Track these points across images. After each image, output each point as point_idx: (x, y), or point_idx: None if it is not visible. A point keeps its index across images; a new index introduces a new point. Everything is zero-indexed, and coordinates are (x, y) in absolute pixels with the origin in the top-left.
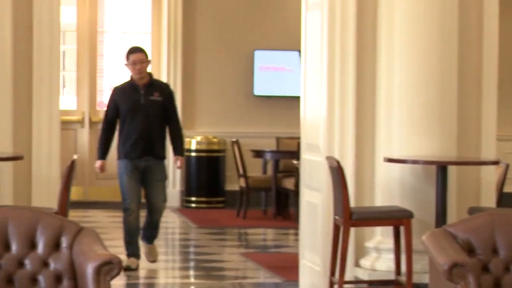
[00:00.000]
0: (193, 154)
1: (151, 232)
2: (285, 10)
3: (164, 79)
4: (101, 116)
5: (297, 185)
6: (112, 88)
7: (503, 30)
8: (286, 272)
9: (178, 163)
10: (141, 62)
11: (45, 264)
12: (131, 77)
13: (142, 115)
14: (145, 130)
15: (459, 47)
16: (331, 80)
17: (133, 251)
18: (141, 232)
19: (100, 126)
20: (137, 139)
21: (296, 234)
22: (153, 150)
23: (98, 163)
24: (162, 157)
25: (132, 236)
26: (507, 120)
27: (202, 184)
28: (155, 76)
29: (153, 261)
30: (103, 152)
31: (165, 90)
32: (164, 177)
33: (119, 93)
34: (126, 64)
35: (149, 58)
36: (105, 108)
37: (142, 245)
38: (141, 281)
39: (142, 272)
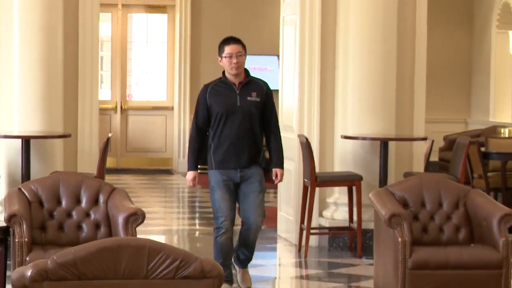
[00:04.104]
0: None
1: (244, 253)
2: (267, 24)
3: (176, 78)
4: (130, 104)
5: None
6: (202, 86)
7: (430, 35)
8: (267, 221)
9: (278, 177)
10: (238, 55)
11: (87, 215)
12: (224, 73)
13: (238, 118)
14: (241, 135)
15: (398, 50)
16: (301, 77)
17: (226, 276)
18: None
19: (130, 112)
20: (232, 147)
21: (275, 193)
22: (251, 159)
23: (189, 175)
24: (262, 167)
25: (225, 259)
26: (434, 107)
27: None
28: (169, 78)
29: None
30: (194, 162)
31: (263, 89)
32: (263, 187)
33: (212, 92)
34: (219, 59)
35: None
36: (133, 98)
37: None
38: (159, 228)
39: (159, 221)
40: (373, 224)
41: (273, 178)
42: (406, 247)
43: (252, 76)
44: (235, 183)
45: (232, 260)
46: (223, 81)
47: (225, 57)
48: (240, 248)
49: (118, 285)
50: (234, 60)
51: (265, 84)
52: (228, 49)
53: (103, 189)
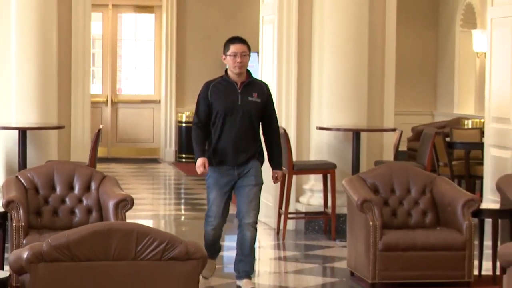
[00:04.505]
0: (184, 124)
1: (244, 266)
2: (247, 24)
3: (163, 74)
4: (120, 98)
5: None
6: (204, 83)
7: (399, 34)
8: None
9: (277, 177)
10: (243, 54)
11: (80, 201)
12: (227, 72)
13: (238, 117)
14: (241, 134)
15: (369, 47)
16: (279, 73)
17: (212, 253)
18: (234, 266)
19: (120, 105)
20: (231, 145)
21: None
22: (249, 157)
23: (199, 161)
24: (260, 160)
25: (212, 244)
26: (402, 100)
27: (190, 145)
28: (156, 73)
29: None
30: (201, 149)
31: (264, 91)
32: (259, 181)
33: (214, 90)
34: (223, 56)
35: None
36: (122, 92)
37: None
38: (147, 213)
39: (146, 207)
40: (346, 209)
41: (273, 179)
42: (377, 230)
43: (253, 77)
44: (232, 183)
45: (236, 278)
46: (225, 79)
47: (230, 55)
48: (239, 262)
49: (109, 266)
50: (238, 59)
51: (266, 85)
52: (233, 48)
53: (95, 177)
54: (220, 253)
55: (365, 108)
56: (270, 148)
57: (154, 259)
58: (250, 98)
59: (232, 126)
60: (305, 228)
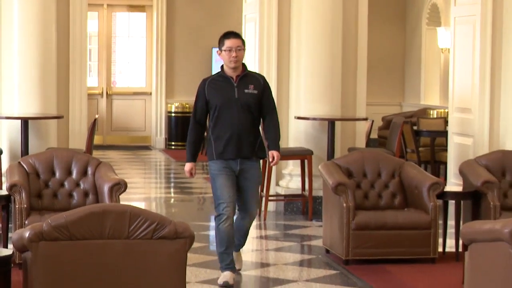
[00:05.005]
0: (173, 114)
1: (239, 239)
2: (231, 22)
3: (154, 68)
4: (114, 90)
5: None
6: (201, 80)
7: (370, 31)
8: None
9: (275, 159)
10: (238, 49)
11: (77, 185)
12: (222, 67)
13: (236, 110)
14: (240, 127)
15: (343, 44)
16: (260, 67)
17: (228, 264)
18: None
19: (114, 97)
20: (231, 138)
21: None
22: (250, 149)
23: (187, 166)
24: (259, 156)
25: (227, 247)
26: (373, 92)
27: (178, 133)
28: (147, 67)
29: (238, 269)
30: (192, 154)
31: (260, 82)
32: (260, 180)
33: (210, 86)
34: (219, 52)
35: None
36: (116, 85)
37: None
38: (138, 196)
39: (139, 190)
40: (322, 192)
41: (270, 160)
42: (350, 211)
43: (249, 70)
44: (235, 174)
45: None
46: (221, 75)
47: (225, 50)
48: (234, 235)
49: (104, 244)
50: (233, 54)
51: (262, 77)
52: (228, 43)
53: (91, 163)
54: (207, 232)
55: (339, 99)
56: (267, 132)
57: (145, 238)
58: (246, 91)
59: (231, 119)
60: (285, 209)
